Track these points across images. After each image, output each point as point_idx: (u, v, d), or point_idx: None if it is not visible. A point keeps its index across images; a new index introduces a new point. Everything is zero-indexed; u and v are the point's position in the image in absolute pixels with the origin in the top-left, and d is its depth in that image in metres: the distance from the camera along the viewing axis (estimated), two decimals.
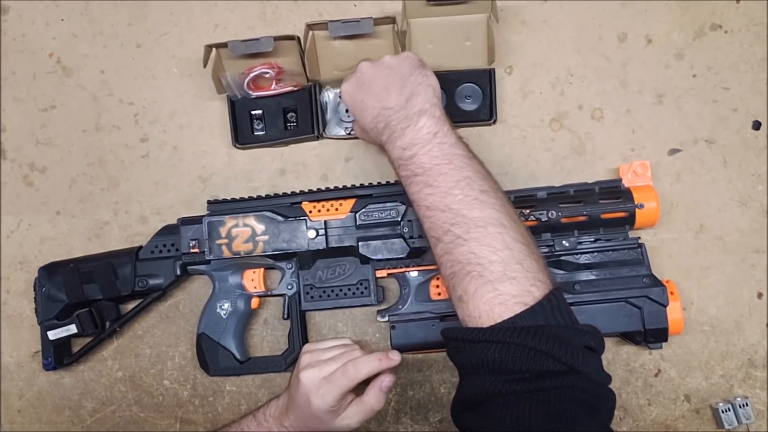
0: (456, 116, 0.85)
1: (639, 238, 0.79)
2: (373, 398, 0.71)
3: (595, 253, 0.79)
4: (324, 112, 0.86)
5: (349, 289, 0.81)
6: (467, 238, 0.60)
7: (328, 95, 0.86)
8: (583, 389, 0.53)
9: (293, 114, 0.87)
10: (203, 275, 0.84)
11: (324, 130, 0.86)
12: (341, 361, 0.70)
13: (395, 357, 0.71)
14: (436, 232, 0.63)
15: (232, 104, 0.86)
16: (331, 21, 0.80)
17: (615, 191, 0.79)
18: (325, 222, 0.79)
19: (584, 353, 0.54)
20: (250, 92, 0.85)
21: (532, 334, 0.54)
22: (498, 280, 0.57)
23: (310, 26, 0.81)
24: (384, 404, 0.72)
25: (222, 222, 0.80)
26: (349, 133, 0.85)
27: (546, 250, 0.79)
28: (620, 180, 0.80)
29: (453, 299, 0.61)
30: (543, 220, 0.77)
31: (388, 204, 0.78)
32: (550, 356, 0.53)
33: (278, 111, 0.86)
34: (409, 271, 0.80)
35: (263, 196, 0.83)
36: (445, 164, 0.63)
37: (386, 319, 0.80)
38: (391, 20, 0.81)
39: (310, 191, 0.82)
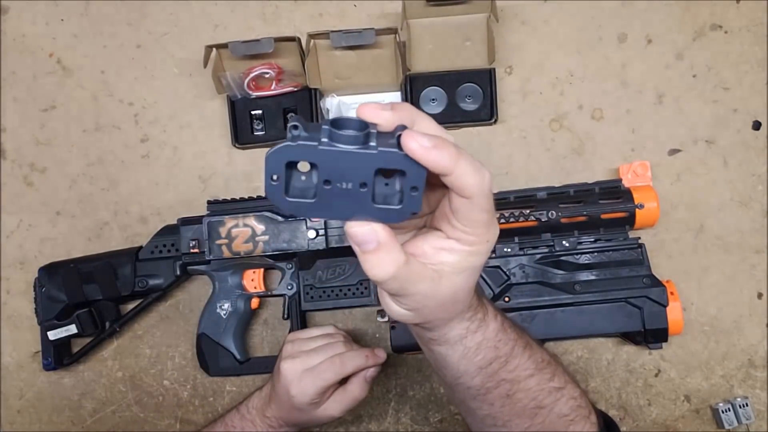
0: (456, 116, 0.85)
1: (639, 238, 0.79)
2: (357, 388, 0.69)
3: (595, 253, 0.79)
4: (325, 119, 0.86)
5: (349, 290, 0.81)
6: (566, 383, 0.56)
7: (331, 102, 0.86)
8: None
9: (293, 114, 0.87)
10: (203, 275, 0.84)
11: None
12: (326, 353, 0.69)
13: (381, 354, 0.70)
14: (540, 395, 0.55)
15: (232, 104, 0.86)
16: (332, 31, 0.80)
17: (615, 191, 0.78)
18: (325, 222, 0.79)
19: None
20: (250, 92, 0.85)
21: None
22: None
23: (312, 36, 0.81)
24: (367, 394, 0.70)
25: (222, 222, 0.80)
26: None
27: (546, 250, 0.79)
28: (620, 180, 0.80)
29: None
30: (543, 220, 0.77)
31: None
32: None
33: (278, 111, 0.86)
34: None
35: (263, 196, 0.83)
36: (512, 322, 0.56)
37: (386, 319, 0.80)
38: (392, 31, 0.81)
39: None
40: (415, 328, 0.51)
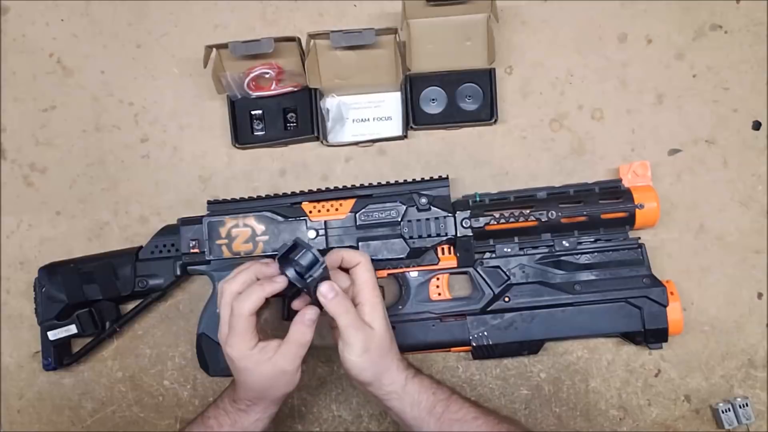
0: (457, 116, 0.85)
1: (639, 238, 0.79)
2: (296, 332, 0.66)
3: (595, 254, 0.79)
4: (325, 119, 0.86)
5: None
6: (503, 418, 0.71)
7: (331, 102, 0.86)
8: None
9: (293, 114, 0.87)
10: (203, 275, 0.84)
11: (325, 138, 0.86)
12: (230, 303, 0.67)
13: (279, 280, 0.66)
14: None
15: (232, 104, 0.86)
16: (333, 31, 0.80)
17: (615, 191, 0.79)
18: (325, 222, 0.79)
19: None
20: (250, 92, 0.85)
21: None
22: None
23: (312, 36, 0.81)
24: (312, 336, 0.66)
25: (222, 222, 0.80)
26: None
27: (546, 250, 0.79)
28: (620, 180, 0.80)
29: None
30: (543, 220, 0.77)
31: (388, 204, 0.78)
32: None
33: (278, 111, 0.86)
34: (408, 272, 0.80)
35: (263, 196, 0.83)
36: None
37: None
38: (392, 31, 0.81)
39: (310, 191, 0.82)
40: (371, 392, 0.69)
